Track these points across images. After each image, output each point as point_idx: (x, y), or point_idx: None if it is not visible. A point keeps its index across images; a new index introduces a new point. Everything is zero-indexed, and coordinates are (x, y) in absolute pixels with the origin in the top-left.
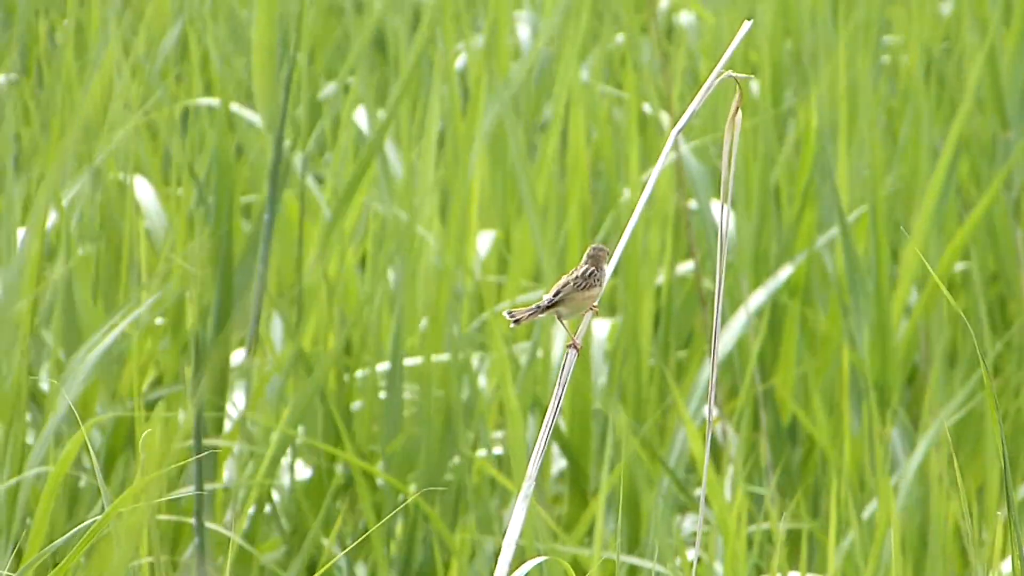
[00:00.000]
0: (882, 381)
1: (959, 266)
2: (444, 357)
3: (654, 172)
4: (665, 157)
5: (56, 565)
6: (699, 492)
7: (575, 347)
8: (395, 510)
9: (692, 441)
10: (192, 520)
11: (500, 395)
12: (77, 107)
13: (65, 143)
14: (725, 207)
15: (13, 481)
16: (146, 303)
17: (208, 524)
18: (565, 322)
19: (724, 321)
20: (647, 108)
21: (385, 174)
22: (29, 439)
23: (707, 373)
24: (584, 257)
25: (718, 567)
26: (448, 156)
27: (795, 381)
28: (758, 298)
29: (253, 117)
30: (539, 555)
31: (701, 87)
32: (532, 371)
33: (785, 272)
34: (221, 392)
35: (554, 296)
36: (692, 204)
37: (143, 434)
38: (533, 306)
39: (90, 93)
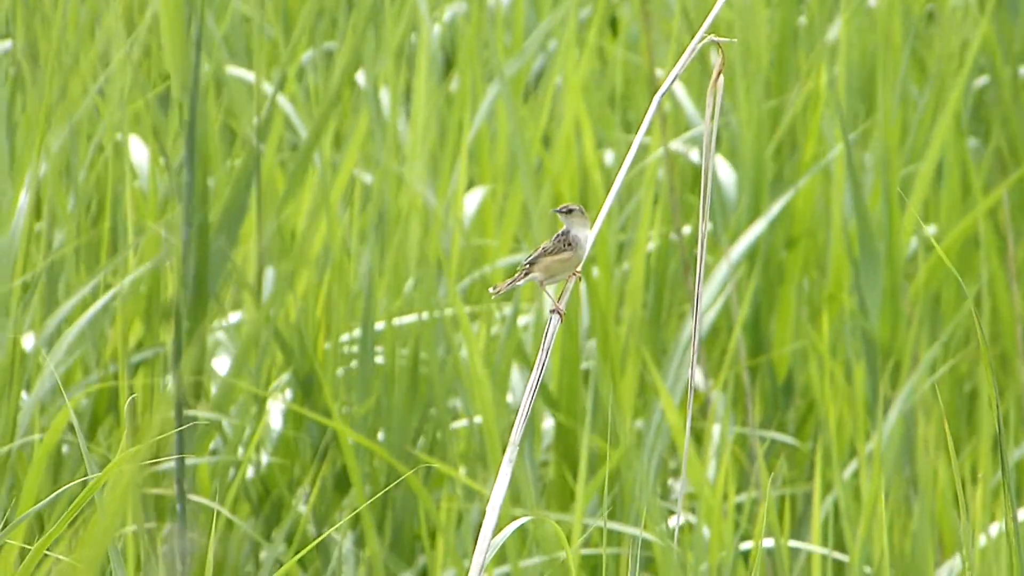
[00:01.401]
0: (891, 346)
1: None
2: (409, 319)
3: (639, 134)
4: (650, 119)
5: (41, 530)
6: (677, 485)
7: (558, 313)
8: (388, 487)
9: (668, 412)
10: (174, 490)
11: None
12: (71, 69)
13: (61, 103)
14: (708, 174)
15: (3, 449)
16: (128, 278)
17: (192, 497)
18: (549, 288)
19: (720, 287)
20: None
21: (382, 132)
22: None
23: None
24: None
25: (706, 532)
26: (441, 116)
27: (792, 337)
28: (754, 231)
29: (247, 76)
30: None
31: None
32: (516, 336)
33: (779, 205)
34: (202, 356)
35: (527, 262)
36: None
37: (127, 400)
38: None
39: (86, 54)
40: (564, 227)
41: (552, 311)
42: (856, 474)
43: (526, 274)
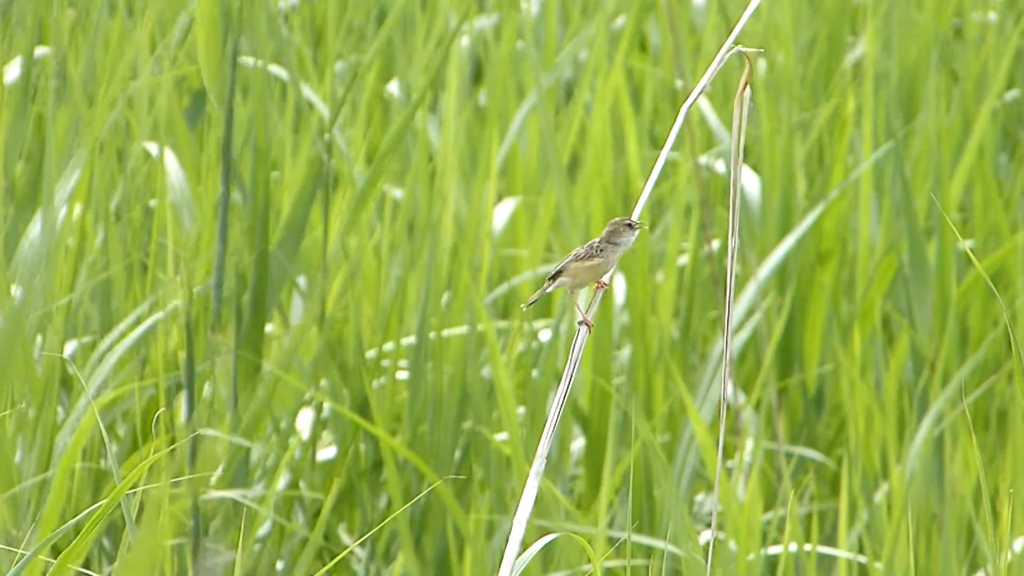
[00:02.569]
0: (935, 360)
1: None
2: (409, 341)
3: (667, 145)
4: (677, 130)
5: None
6: (710, 503)
7: (586, 324)
8: (417, 497)
9: (698, 431)
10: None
11: (518, 376)
12: (109, 78)
13: (97, 113)
14: (736, 186)
15: (40, 477)
16: (170, 304)
17: (238, 497)
18: (579, 300)
19: (753, 306)
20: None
21: (415, 143)
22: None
23: (723, 347)
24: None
25: (733, 547)
26: (473, 126)
27: (822, 353)
28: (785, 246)
29: (310, 95)
30: (547, 533)
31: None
32: (553, 349)
33: (811, 217)
34: (258, 367)
35: (555, 270)
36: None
37: (156, 414)
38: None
39: (123, 63)
40: (601, 235)
41: (580, 323)
42: (885, 492)
43: (553, 279)
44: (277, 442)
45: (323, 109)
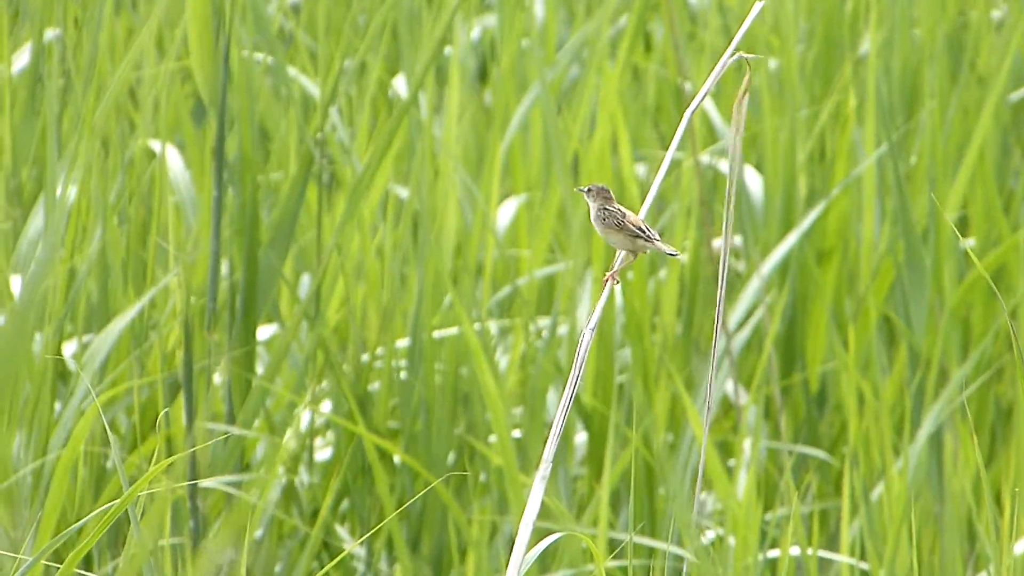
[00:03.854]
0: (932, 357)
1: None
2: (398, 339)
3: (668, 152)
4: (681, 133)
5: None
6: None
7: (613, 279)
8: (414, 498)
9: (698, 433)
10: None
11: (520, 374)
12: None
13: (101, 108)
14: (732, 191)
15: (38, 463)
16: (170, 303)
17: (233, 491)
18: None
19: (754, 303)
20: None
21: (421, 139)
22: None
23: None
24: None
25: (732, 543)
26: (479, 126)
27: (825, 350)
28: (787, 244)
29: (310, 86)
30: (549, 535)
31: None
32: (550, 346)
33: (813, 214)
34: (249, 367)
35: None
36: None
37: (160, 414)
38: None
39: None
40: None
41: (605, 280)
42: (885, 490)
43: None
44: (270, 445)
45: (313, 90)
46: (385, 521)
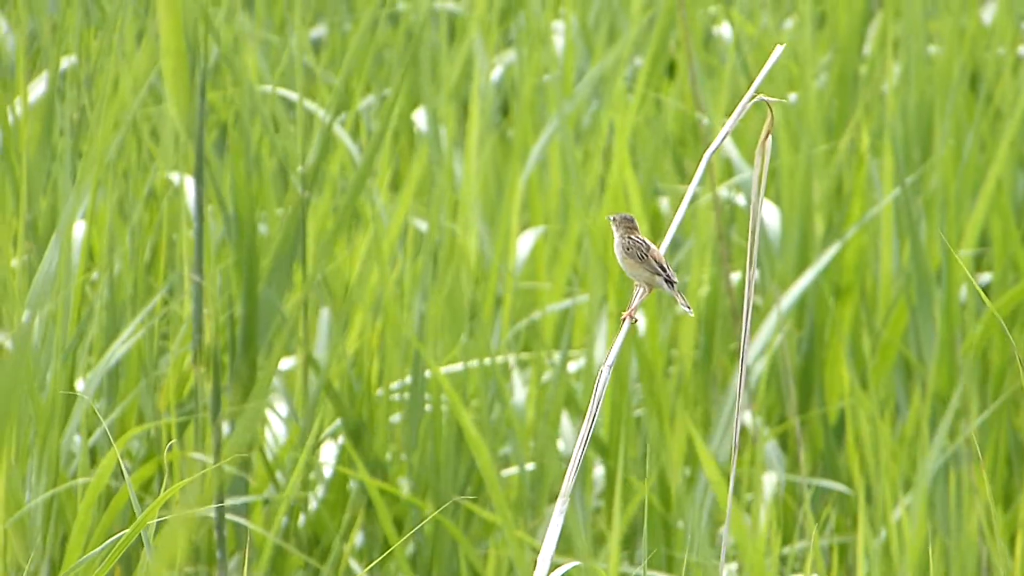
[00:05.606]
0: (946, 393)
1: None
2: (456, 368)
3: (688, 191)
4: (700, 174)
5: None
6: (722, 530)
7: (631, 317)
8: (415, 527)
9: (709, 471)
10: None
11: (539, 407)
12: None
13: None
14: (754, 231)
15: (49, 494)
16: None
17: (244, 522)
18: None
19: (772, 338)
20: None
21: (441, 172)
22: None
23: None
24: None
25: None
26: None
27: (843, 385)
28: (805, 280)
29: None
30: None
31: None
32: (561, 379)
33: (831, 252)
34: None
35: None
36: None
37: (167, 445)
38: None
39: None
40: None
41: (623, 319)
42: (899, 524)
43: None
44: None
45: (349, 144)
46: (385, 553)
